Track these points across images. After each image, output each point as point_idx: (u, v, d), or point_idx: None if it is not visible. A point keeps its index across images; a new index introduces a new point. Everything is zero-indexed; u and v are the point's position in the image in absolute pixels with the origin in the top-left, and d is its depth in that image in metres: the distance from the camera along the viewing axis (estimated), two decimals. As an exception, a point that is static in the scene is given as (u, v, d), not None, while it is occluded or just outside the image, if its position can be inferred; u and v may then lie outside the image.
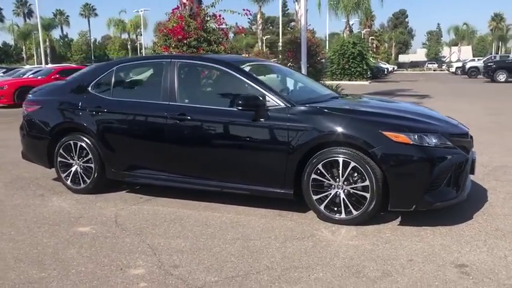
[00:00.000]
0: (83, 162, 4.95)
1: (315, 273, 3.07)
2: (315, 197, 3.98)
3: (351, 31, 37.08)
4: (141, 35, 71.83)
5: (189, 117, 4.38)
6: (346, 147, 3.84)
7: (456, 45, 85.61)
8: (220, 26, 10.70)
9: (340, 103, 4.66)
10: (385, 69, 43.42)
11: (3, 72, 24.11)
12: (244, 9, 10.62)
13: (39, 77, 17.33)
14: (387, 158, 3.71)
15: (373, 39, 50.80)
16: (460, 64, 45.91)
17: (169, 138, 4.48)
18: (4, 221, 4.20)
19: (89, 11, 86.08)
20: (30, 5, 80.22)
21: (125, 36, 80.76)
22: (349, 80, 29.34)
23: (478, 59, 44.19)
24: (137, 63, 5.44)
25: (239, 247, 3.52)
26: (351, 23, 37.20)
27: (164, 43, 10.23)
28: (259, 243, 3.59)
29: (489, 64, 29.88)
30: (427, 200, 3.73)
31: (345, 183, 3.87)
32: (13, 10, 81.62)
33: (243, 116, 4.14)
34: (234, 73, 4.44)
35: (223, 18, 10.60)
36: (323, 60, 19.03)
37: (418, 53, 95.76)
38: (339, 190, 3.90)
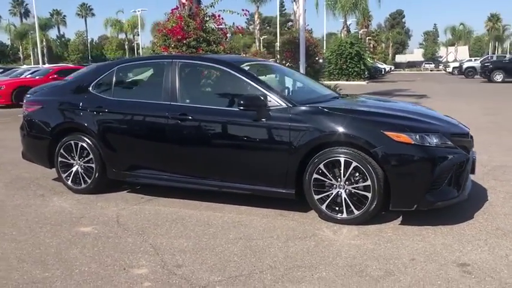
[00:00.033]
0: (83, 162, 4.95)
1: (318, 273, 3.08)
2: (316, 197, 4.00)
3: (348, 31, 37.19)
4: (139, 35, 71.71)
5: (190, 117, 4.39)
6: (347, 147, 3.86)
7: (453, 45, 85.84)
8: (220, 26, 10.71)
9: (341, 103, 4.67)
10: (383, 70, 43.51)
11: (1, 72, 24.03)
12: (243, 10, 10.65)
13: (37, 77, 17.29)
14: (389, 158, 3.72)
15: (370, 39, 50.83)
16: (457, 64, 46.09)
17: (171, 138, 4.49)
18: (6, 221, 4.20)
19: (85, 11, 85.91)
20: (26, 4, 79.99)
21: (122, 36, 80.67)
22: (347, 80, 29.38)
23: (475, 59, 44.32)
24: (138, 63, 5.45)
25: (242, 247, 3.53)
26: (348, 23, 37.30)
27: (163, 43, 10.23)
28: (261, 243, 3.60)
29: (486, 64, 29.96)
30: (429, 199, 3.75)
31: (347, 183, 3.89)
32: (9, 10, 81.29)
33: (245, 116, 4.15)
34: (235, 73, 4.45)
35: (222, 18, 10.62)
36: (321, 61, 19.05)
37: (415, 53, 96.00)
38: (341, 190, 3.91)
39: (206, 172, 4.45)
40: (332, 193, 3.94)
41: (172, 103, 4.49)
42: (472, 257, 3.26)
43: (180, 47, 9.90)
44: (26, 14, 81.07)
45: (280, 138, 4.06)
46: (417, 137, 3.75)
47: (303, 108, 4.08)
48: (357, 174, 3.84)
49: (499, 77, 27.42)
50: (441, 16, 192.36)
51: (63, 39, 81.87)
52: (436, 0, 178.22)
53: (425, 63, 78.31)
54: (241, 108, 4.11)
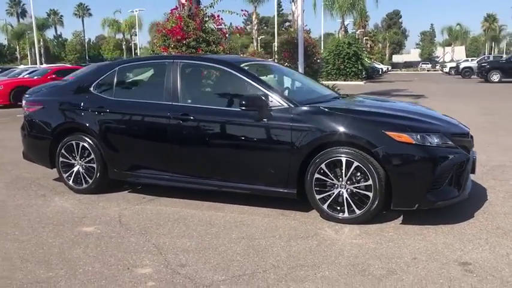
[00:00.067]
0: (85, 163, 4.96)
1: (321, 272, 3.10)
2: (318, 197, 4.02)
3: (346, 31, 37.22)
4: (136, 35, 71.59)
5: (192, 117, 4.40)
6: (349, 147, 3.88)
7: (449, 45, 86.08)
8: (219, 27, 10.73)
9: (342, 103, 4.70)
10: (380, 70, 43.62)
11: (-2, 72, 23.96)
12: (242, 10, 10.69)
13: (35, 77, 17.26)
14: (390, 158, 3.75)
15: (367, 39, 50.95)
16: (453, 64, 46.16)
17: (172, 138, 4.50)
18: (8, 221, 4.21)
19: (83, 11, 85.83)
20: (23, 4, 79.90)
21: (119, 36, 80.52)
22: (344, 80, 29.42)
23: (472, 60, 44.48)
24: (139, 63, 5.46)
25: (244, 246, 3.55)
26: (345, 23, 37.35)
27: (163, 43, 10.24)
28: (264, 242, 3.62)
29: (483, 64, 30.05)
30: (430, 199, 3.78)
31: (348, 182, 3.91)
32: (6, 10, 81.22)
33: (246, 116, 4.17)
34: (236, 73, 4.47)
35: (221, 18, 10.64)
36: (319, 61, 19.09)
37: (411, 53, 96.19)
38: (342, 189, 3.94)
39: (208, 172, 4.47)
40: (333, 193, 3.97)
41: (173, 103, 4.50)
42: (474, 256, 3.29)
43: (180, 47, 9.92)
44: (23, 14, 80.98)
45: (281, 138, 4.08)
46: (418, 137, 3.77)
47: (305, 108, 4.10)
48: (359, 174, 3.87)
49: (496, 77, 27.50)
50: (438, 16, 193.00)
51: (60, 39, 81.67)
52: (432, 1, 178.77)
53: (422, 64, 78.48)
54: (243, 108, 4.13)
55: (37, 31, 37.93)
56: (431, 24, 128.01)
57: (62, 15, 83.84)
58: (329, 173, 3.94)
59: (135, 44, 72.74)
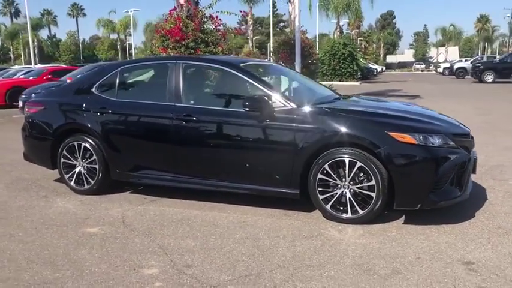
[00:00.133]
0: (86, 163, 4.96)
1: (327, 272, 3.13)
2: (321, 197, 4.05)
3: (341, 32, 37.34)
4: (131, 35, 71.37)
5: (194, 118, 4.42)
6: (352, 147, 3.91)
7: (443, 46, 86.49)
8: (218, 27, 10.74)
9: (344, 104, 4.73)
10: (375, 70, 43.75)
11: (-8, 73, 23.83)
12: (240, 11, 10.73)
13: (30, 78, 17.18)
14: (393, 158, 3.78)
15: (361, 40, 51.08)
16: (447, 65, 46.44)
17: (175, 139, 4.52)
18: (11, 223, 4.20)
19: (77, 11, 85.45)
20: (17, 4, 79.46)
21: (113, 36, 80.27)
22: (340, 81, 29.49)
23: (466, 60, 44.75)
24: (142, 64, 5.46)
25: (249, 246, 3.57)
26: (340, 24, 37.45)
27: (162, 44, 10.25)
28: (268, 243, 3.64)
29: (477, 65, 30.25)
30: (432, 199, 3.82)
31: (351, 183, 3.94)
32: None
33: (249, 117, 4.19)
34: (239, 74, 4.49)
35: (220, 19, 10.66)
36: (315, 61, 19.12)
37: (405, 54, 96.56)
38: (345, 190, 3.97)
39: (210, 173, 4.48)
40: (336, 193, 4.00)
41: (176, 104, 4.52)
42: (476, 255, 3.33)
43: (179, 48, 9.94)
44: (17, 13, 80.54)
45: (285, 139, 4.10)
46: (421, 137, 3.81)
47: (308, 109, 4.13)
48: (361, 174, 3.90)
49: (489, 77, 27.70)
50: (431, 17, 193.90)
51: (54, 39, 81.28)
52: (426, 2, 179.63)
53: (416, 64, 78.87)
54: (246, 109, 4.15)
55: (31, 31, 37.70)
56: (425, 25, 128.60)
57: (55, 15, 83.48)
58: (332, 174, 3.97)
59: (130, 44, 72.57)
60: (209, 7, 10.50)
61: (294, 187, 4.13)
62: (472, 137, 4.40)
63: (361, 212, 3.93)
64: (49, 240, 3.75)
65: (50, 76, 16.57)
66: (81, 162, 4.98)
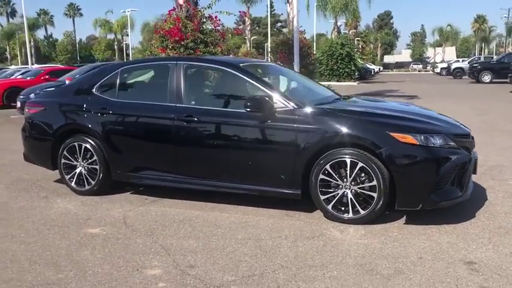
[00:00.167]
0: (87, 164, 4.96)
1: (330, 272, 3.14)
2: (322, 197, 4.06)
3: (339, 32, 37.36)
4: (128, 35, 71.25)
5: (195, 119, 4.42)
6: (353, 148, 3.92)
7: (440, 46, 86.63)
8: (217, 28, 10.75)
9: (345, 104, 4.74)
10: (372, 70, 43.84)
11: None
12: (240, 11, 10.77)
13: (28, 78, 17.12)
14: (394, 159, 3.80)
15: (358, 40, 51.18)
16: (444, 65, 46.58)
17: (176, 140, 4.52)
18: (12, 224, 4.20)
19: (73, 11, 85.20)
20: (13, 4, 79.16)
21: (110, 36, 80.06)
22: (338, 81, 29.52)
23: (463, 60, 44.86)
24: (142, 65, 5.47)
25: (251, 247, 3.58)
26: (338, 24, 37.48)
27: (161, 44, 10.25)
28: (270, 243, 3.65)
29: (474, 65, 30.35)
30: (433, 199, 3.83)
31: (353, 183, 3.95)
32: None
33: (251, 117, 4.20)
34: (240, 75, 4.50)
35: (219, 19, 10.66)
36: (313, 61, 19.15)
37: (403, 54, 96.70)
38: (347, 190, 3.98)
39: (211, 173, 4.49)
40: (338, 193, 4.01)
41: (177, 105, 4.52)
42: (478, 255, 3.35)
43: (178, 48, 9.94)
44: (13, 13, 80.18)
45: (286, 140, 4.11)
46: (422, 138, 3.83)
47: (309, 109, 4.14)
48: (363, 174, 3.91)
49: (487, 77, 27.80)
50: (428, 17, 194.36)
51: (51, 39, 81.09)
52: (423, 2, 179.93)
53: (413, 64, 79.04)
54: (248, 109, 4.16)
55: (28, 31, 37.61)
56: (422, 25, 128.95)
57: (52, 15, 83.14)
58: (333, 174, 3.98)
59: (127, 45, 72.44)
60: (208, 7, 10.52)
61: (295, 187, 4.14)
62: (473, 138, 4.42)
63: (362, 212, 3.94)
64: (51, 241, 3.75)
65: (47, 76, 16.52)
66: (82, 163, 4.98)
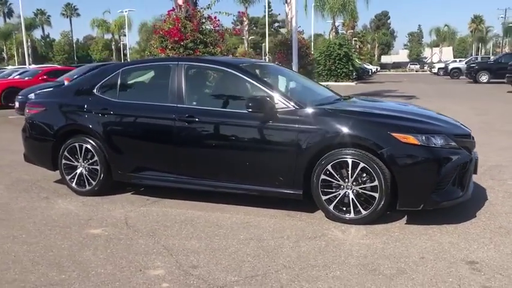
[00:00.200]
0: (88, 165, 4.95)
1: (332, 272, 3.15)
2: (324, 197, 4.06)
3: (336, 32, 37.42)
4: (125, 35, 71.11)
5: (197, 119, 4.43)
6: (355, 148, 3.93)
7: (437, 46, 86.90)
8: (216, 28, 10.76)
9: (346, 105, 4.75)
10: (370, 70, 43.92)
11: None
12: (239, 12, 10.79)
13: (26, 78, 17.08)
14: (396, 159, 3.81)
15: (356, 40, 51.22)
16: (442, 65, 46.72)
17: (178, 140, 4.52)
18: (14, 224, 4.19)
19: (70, 11, 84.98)
20: (10, 4, 78.92)
21: (108, 36, 79.93)
22: (336, 81, 29.58)
23: (460, 60, 45.00)
24: (143, 65, 5.46)
25: (254, 247, 3.58)
26: (336, 24, 37.53)
27: (160, 45, 10.25)
28: (273, 243, 3.65)
29: (472, 65, 30.45)
30: (435, 199, 3.85)
31: (354, 183, 3.96)
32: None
33: (252, 118, 4.20)
34: (241, 75, 4.51)
35: (218, 20, 10.68)
36: (311, 62, 19.19)
37: (400, 54, 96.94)
38: (348, 190, 3.99)
39: (213, 173, 4.49)
40: (340, 193, 4.02)
41: (179, 105, 4.52)
42: (480, 255, 3.36)
43: (177, 49, 9.94)
44: (10, 13, 79.96)
45: (288, 140, 4.12)
46: (423, 138, 3.84)
47: (311, 110, 4.15)
48: (364, 174, 3.92)
49: (484, 77, 27.89)
50: (426, 17, 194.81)
51: (48, 39, 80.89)
52: (420, 2, 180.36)
53: (410, 64, 79.22)
54: (249, 110, 4.16)
55: (25, 31, 37.50)
56: (419, 25, 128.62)
57: (49, 15, 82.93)
58: (335, 174, 3.99)
59: (124, 45, 72.33)
60: (208, 7, 10.53)
61: (297, 188, 4.15)
62: (473, 138, 4.44)
63: (364, 212, 3.95)
64: (53, 242, 3.75)
65: (45, 77, 16.50)
66: (83, 164, 4.98)
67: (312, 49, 31.56)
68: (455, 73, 36.08)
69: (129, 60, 54.80)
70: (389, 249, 3.49)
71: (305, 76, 6.73)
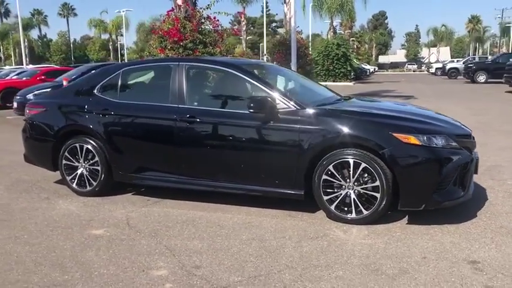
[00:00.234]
0: (89, 165, 4.95)
1: (335, 272, 3.16)
2: (325, 198, 4.07)
3: (334, 32, 37.45)
4: (122, 35, 70.98)
5: (198, 120, 4.43)
6: (356, 148, 3.94)
7: (435, 46, 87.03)
8: (216, 28, 10.76)
9: (347, 105, 4.76)
10: (367, 70, 44.01)
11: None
12: (238, 12, 10.81)
13: (24, 78, 17.04)
14: (397, 159, 3.82)
15: (354, 40, 51.30)
16: (439, 65, 46.77)
17: (179, 141, 4.52)
18: (15, 225, 4.19)
19: (67, 11, 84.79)
20: (7, 4, 78.68)
21: (105, 36, 79.75)
22: (334, 81, 29.61)
23: (458, 60, 45.09)
24: (144, 66, 5.46)
25: (256, 247, 3.59)
26: (334, 24, 37.59)
27: (160, 45, 10.25)
28: (275, 243, 3.66)
29: (469, 65, 30.51)
30: (436, 199, 3.86)
31: (356, 183, 3.97)
32: (-11, 10, 79.76)
33: (254, 118, 4.21)
34: (243, 76, 4.51)
35: (218, 20, 10.68)
36: (309, 62, 19.21)
37: (397, 54, 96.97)
38: (350, 190, 4.00)
39: (214, 174, 4.49)
40: (341, 194, 4.03)
41: (180, 105, 4.53)
42: (481, 255, 3.38)
43: (177, 49, 9.95)
44: (6, 13, 79.70)
45: (289, 140, 4.13)
46: (425, 138, 3.86)
47: (312, 110, 4.15)
48: (366, 175, 3.93)
49: (482, 77, 27.96)
50: (423, 17, 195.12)
51: (45, 39, 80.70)
52: (418, 2, 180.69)
53: (408, 64, 79.31)
54: (251, 110, 4.17)
55: (22, 31, 37.41)
56: (417, 25, 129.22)
57: (46, 15, 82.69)
58: (336, 174, 4.00)
59: (122, 45, 72.22)
60: (207, 8, 10.53)
61: (298, 188, 4.16)
62: (474, 138, 4.46)
63: (365, 212, 3.96)
64: (55, 242, 3.75)
65: (43, 77, 16.45)
66: (83, 164, 4.97)
67: (310, 49, 31.61)
68: (453, 73, 36.16)
69: (126, 60, 54.80)
70: (391, 249, 3.51)
71: (304, 76, 6.73)
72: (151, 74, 5.27)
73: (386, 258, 3.36)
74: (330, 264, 3.28)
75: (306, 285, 2.98)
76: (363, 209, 3.97)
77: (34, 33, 77.66)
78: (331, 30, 36.68)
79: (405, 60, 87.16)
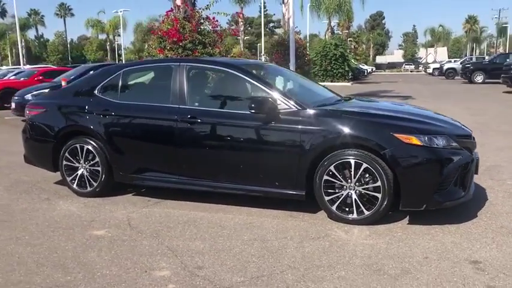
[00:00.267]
0: (89, 166, 4.95)
1: (337, 272, 3.16)
2: (326, 198, 4.08)
3: (332, 33, 37.50)
4: (120, 35, 70.90)
5: (199, 120, 4.43)
6: (357, 149, 3.95)
7: (432, 46, 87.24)
8: (215, 29, 10.76)
9: (348, 106, 4.77)
10: (365, 71, 44.08)
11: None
12: (237, 13, 10.78)
13: (21, 79, 16.98)
14: (399, 159, 3.83)
15: (351, 40, 51.34)
16: (437, 65, 46.92)
17: (180, 141, 4.52)
18: (16, 226, 4.18)
19: (64, 11, 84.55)
20: (3, 4, 78.43)
21: (102, 36, 79.62)
22: (332, 82, 29.61)
23: (455, 61, 45.21)
24: (145, 66, 5.46)
25: (258, 248, 3.59)
26: (332, 24, 37.62)
27: (159, 45, 10.24)
28: (277, 244, 3.67)
29: (467, 66, 30.60)
30: (437, 199, 3.87)
31: (357, 184, 3.98)
32: (-14, 10, 79.51)
33: (255, 119, 4.21)
34: (244, 76, 4.52)
35: (217, 20, 10.69)
36: (308, 62, 19.23)
37: (395, 54, 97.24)
38: (351, 191, 4.01)
39: (216, 174, 4.49)
40: (342, 194, 4.03)
41: (181, 106, 4.53)
42: (483, 255, 3.39)
43: (176, 49, 9.94)
44: (3, 13, 79.44)
45: (290, 141, 4.13)
46: (426, 138, 3.87)
47: (313, 111, 4.16)
48: (367, 175, 3.94)
49: (479, 78, 28.04)
50: (420, 18, 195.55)
51: (42, 39, 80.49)
52: (415, 2, 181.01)
53: (405, 65, 79.49)
54: (252, 111, 4.17)
55: (19, 31, 37.32)
56: (414, 26, 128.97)
57: (43, 15, 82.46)
58: (338, 175, 4.01)
59: (119, 45, 72.11)
60: (206, 8, 10.53)
61: (299, 188, 4.16)
62: (474, 138, 4.47)
63: (366, 212, 3.97)
64: (57, 243, 3.74)
65: (41, 77, 16.38)
66: (84, 165, 4.97)
67: (308, 49, 31.63)
68: (450, 73, 36.27)
69: (123, 60, 54.72)
70: (393, 250, 3.51)
71: (303, 77, 6.74)
72: (151, 75, 5.27)
73: (388, 258, 3.37)
74: (332, 264, 3.29)
75: (308, 285, 2.99)
76: (364, 210, 3.97)
77: (31, 34, 77.56)
78: (329, 30, 36.72)
79: (402, 60, 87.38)
